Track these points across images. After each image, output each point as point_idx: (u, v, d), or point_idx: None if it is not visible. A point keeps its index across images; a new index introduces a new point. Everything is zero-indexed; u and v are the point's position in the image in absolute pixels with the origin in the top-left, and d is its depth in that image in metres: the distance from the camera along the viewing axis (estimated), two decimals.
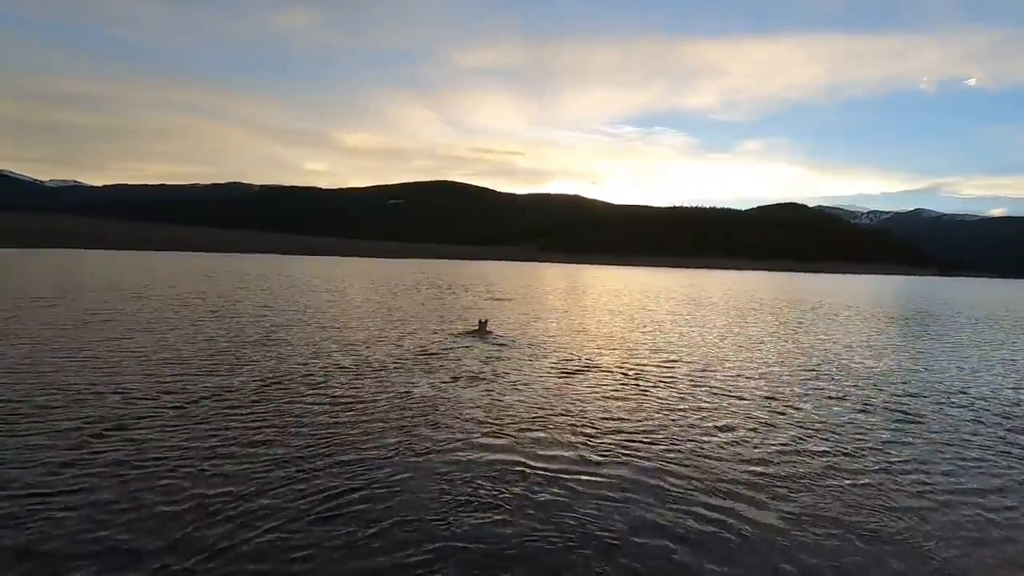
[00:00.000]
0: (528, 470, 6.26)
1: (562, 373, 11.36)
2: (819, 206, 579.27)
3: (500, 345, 14.22)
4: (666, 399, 9.62)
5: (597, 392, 9.94)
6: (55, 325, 14.19)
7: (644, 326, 20.27)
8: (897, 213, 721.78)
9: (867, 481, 6.39)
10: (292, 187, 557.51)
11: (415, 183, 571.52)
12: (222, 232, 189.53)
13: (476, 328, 16.38)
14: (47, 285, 25.52)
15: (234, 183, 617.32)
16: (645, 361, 13.09)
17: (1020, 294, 76.22)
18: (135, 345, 12.13)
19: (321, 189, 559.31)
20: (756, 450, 7.27)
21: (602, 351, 14.30)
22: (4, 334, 12.68)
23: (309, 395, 8.81)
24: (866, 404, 9.92)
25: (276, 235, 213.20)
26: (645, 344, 15.86)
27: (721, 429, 8.11)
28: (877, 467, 6.85)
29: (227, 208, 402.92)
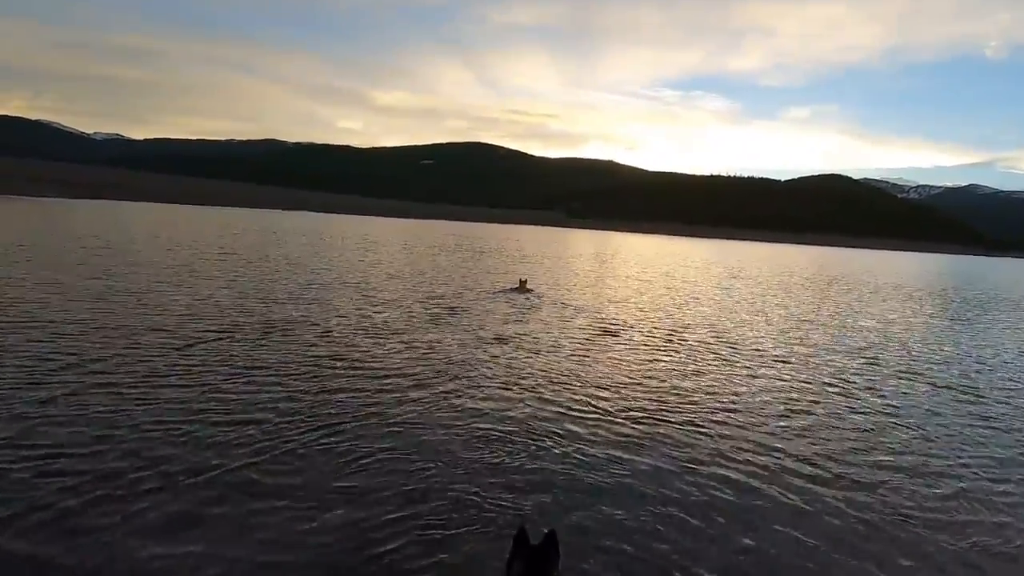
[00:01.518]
0: (546, 424, 6.46)
1: (594, 332, 12.01)
2: (865, 178, 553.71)
3: (537, 301, 15.71)
4: (704, 367, 9.67)
5: (634, 354, 10.19)
6: (140, 269, 14.94)
7: (681, 296, 20.19)
8: (948, 188, 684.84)
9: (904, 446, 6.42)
10: (325, 145, 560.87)
11: (447, 144, 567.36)
12: (257, 188, 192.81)
13: (517, 286, 17.36)
14: (111, 235, 26.65)
15: (269, 139, 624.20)
16: (684, 332, 13.04)
17: None
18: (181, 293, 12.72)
19: (353, 148, 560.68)
20: (765, 418, 7.25)
21: (637, 317, 14.54)
22: (83, 277, 13.43)
23: (378, 344, 9.20)
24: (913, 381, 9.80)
25: (308, 192, 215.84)
26: (681, 315, 15.79)
27: (733, 395, 8.12)
28: (909, 433, 6.85)
29: (262, 164, 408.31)
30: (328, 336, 9.73)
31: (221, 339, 8.93)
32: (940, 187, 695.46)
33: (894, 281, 37.59)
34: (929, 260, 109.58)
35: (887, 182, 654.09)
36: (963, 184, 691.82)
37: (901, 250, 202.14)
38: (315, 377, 7.41)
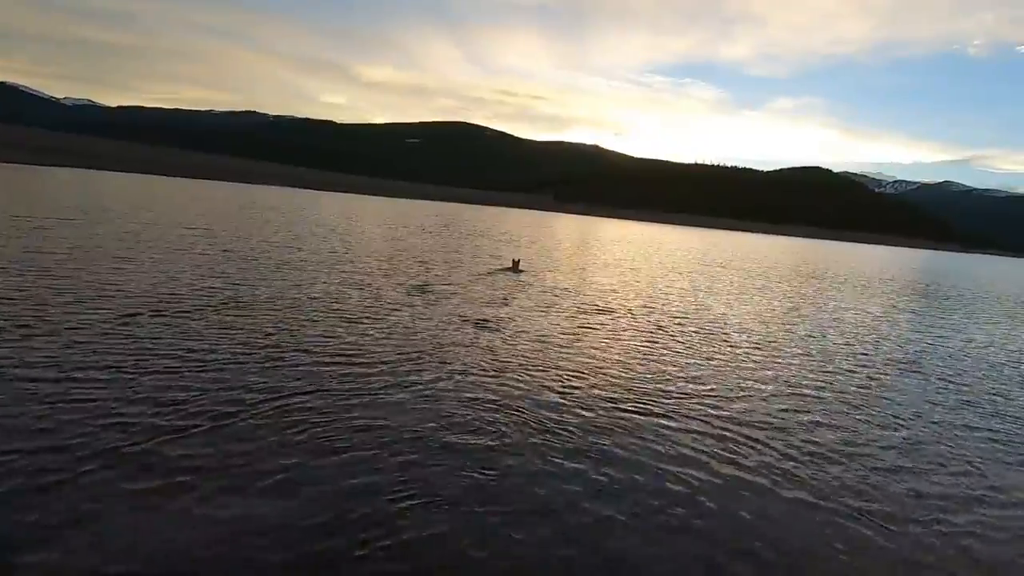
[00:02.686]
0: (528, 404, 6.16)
1: (579, 311, 12.61)
2: (845, 172, 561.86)
3: (530, 279, 16.81)
4: (680, 351, 9.59)
5: (619, 335, 10.44)
6: (109, 240, 14.07)
7: (665, 282, 20.10)
8: (924, 184, 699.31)
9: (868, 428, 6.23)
10: (307, 119, 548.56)
11: (434, 123, 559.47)
12: (235, 161, 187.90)
13: (510, 266, 18.43)
14: (64, 204, 25.37)
15: (250, 111, 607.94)
16: (668, 315, 13.07)
17: None
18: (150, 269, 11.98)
19: (337, 123, 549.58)
20: (746, 403, 7.15)
21: (622, 298, 15.13)
22: (43, 247, 12.57)
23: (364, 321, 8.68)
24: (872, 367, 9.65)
25: (289, 167, 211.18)
26: (666, 300, 15.74)
27: (711, 379, 8.17)
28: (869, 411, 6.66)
29: (242, 137, 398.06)
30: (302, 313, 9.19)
31: (161, 315, 8.32)
32: (916, 183, 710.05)
33: (867, 273, 38.12)
34: (901, 254, 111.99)
35: (866, 176, 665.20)
36: (939, 181, 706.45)
37: (876, 244, 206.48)
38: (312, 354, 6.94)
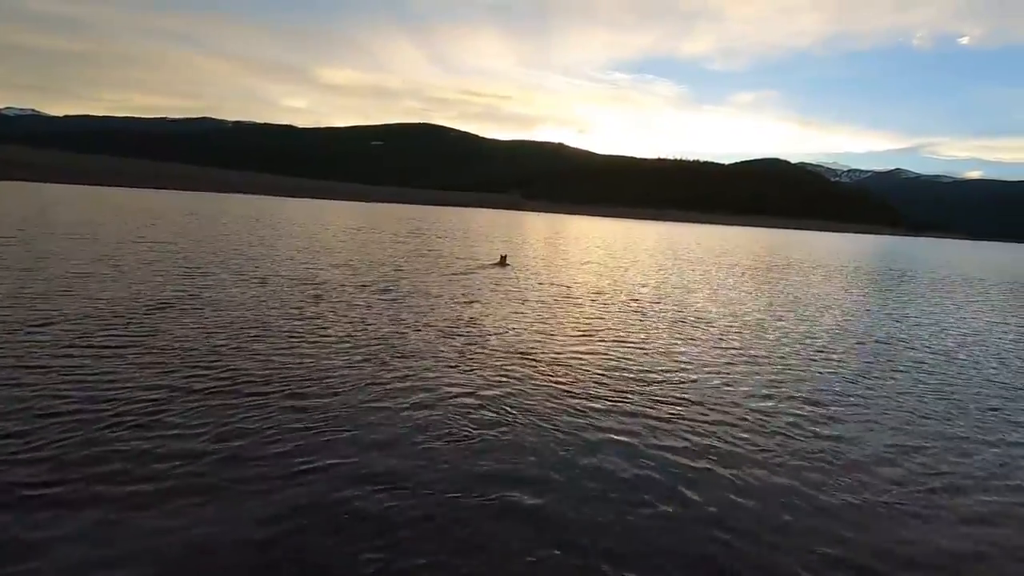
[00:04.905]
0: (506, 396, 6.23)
1: (561, 296, 14.66)
2: (802, 163, 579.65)
3: (517, 272, 18.58)
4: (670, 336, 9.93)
5: (591, 317, 11.82)
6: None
7: (638, 272, 20.59)
8: (876, 172, 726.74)
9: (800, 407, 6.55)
10: (267, 124, 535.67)
11: (398, 124, 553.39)
12: (194, 168, 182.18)
13: (497, 261, 19.95)
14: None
15: (205, 117, 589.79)
16: (644, 302, 13.33)
17: (976, 254, 78.43)
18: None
19: (298, 127, 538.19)
20: (710, 388, 7.44)
21: (598, 287, 16.75)
22: None
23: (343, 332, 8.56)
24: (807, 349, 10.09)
25: (251, 174, 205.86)
26: (642, 289, 16.09)
27: (680, 365, 8.62)
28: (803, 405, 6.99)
29: (198, 143, 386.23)
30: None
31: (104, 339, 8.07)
32: (869, 171, 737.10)
33: (824, 260, 39.47)
34: (857, 240, 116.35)
35: (822, 166, 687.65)
36: (890, 168, 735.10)
37: (832, 231, 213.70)
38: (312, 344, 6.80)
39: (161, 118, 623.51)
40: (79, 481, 4.19)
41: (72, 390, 5.81)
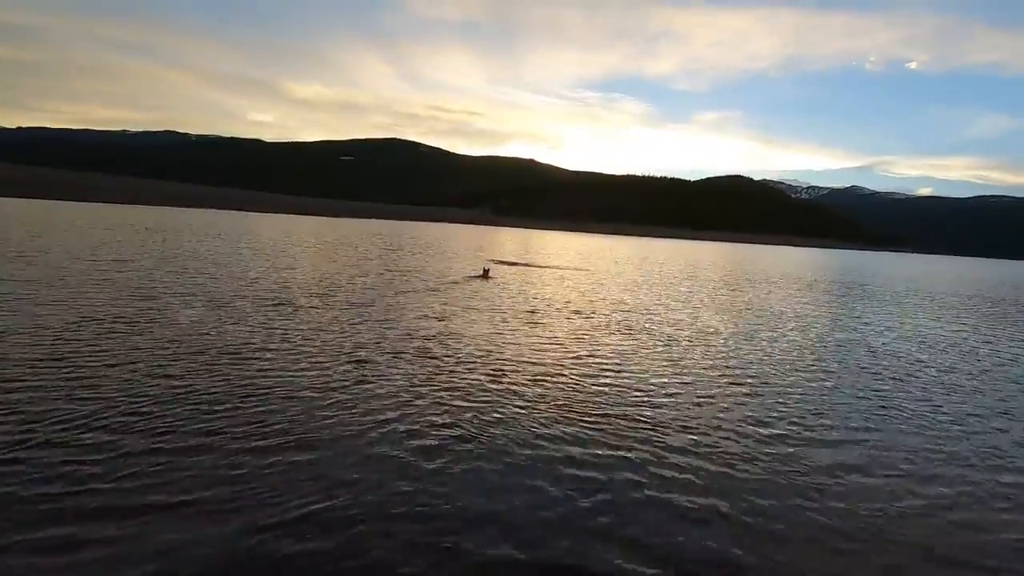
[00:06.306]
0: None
1: (540, 304, 15.89)
2: (764, 180, 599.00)
3: (499, 283, 19.99)
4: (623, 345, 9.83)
5: (566, 325, 12.83)
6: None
7: (613, 283, 20.54)
8: (834, 189, 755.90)
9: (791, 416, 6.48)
10: (233, 138, 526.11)
11: (368, 139, 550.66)
12: (153, 183, 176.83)
13: (481, 274, 21.27)
14: None
15: (169, 131, 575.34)
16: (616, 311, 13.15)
17: (926, 268, 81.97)
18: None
19: (265, 141, 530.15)
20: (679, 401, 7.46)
21: (574, 298, 17.75)
22: None
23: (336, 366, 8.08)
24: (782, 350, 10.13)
25: (214, 188, 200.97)
26: (618, 297, 15.98)
27: (646, 374, 8.85)
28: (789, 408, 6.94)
29: (160, 157, 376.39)
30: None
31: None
32: (827, 188, 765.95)
33: (789, 273, 40.52)
34: (816, 254, 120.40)
35: (783, 183, 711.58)
36: (846, 185, 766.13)
37: (793, 245, 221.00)
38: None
39: (121, 131, 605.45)
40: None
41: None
